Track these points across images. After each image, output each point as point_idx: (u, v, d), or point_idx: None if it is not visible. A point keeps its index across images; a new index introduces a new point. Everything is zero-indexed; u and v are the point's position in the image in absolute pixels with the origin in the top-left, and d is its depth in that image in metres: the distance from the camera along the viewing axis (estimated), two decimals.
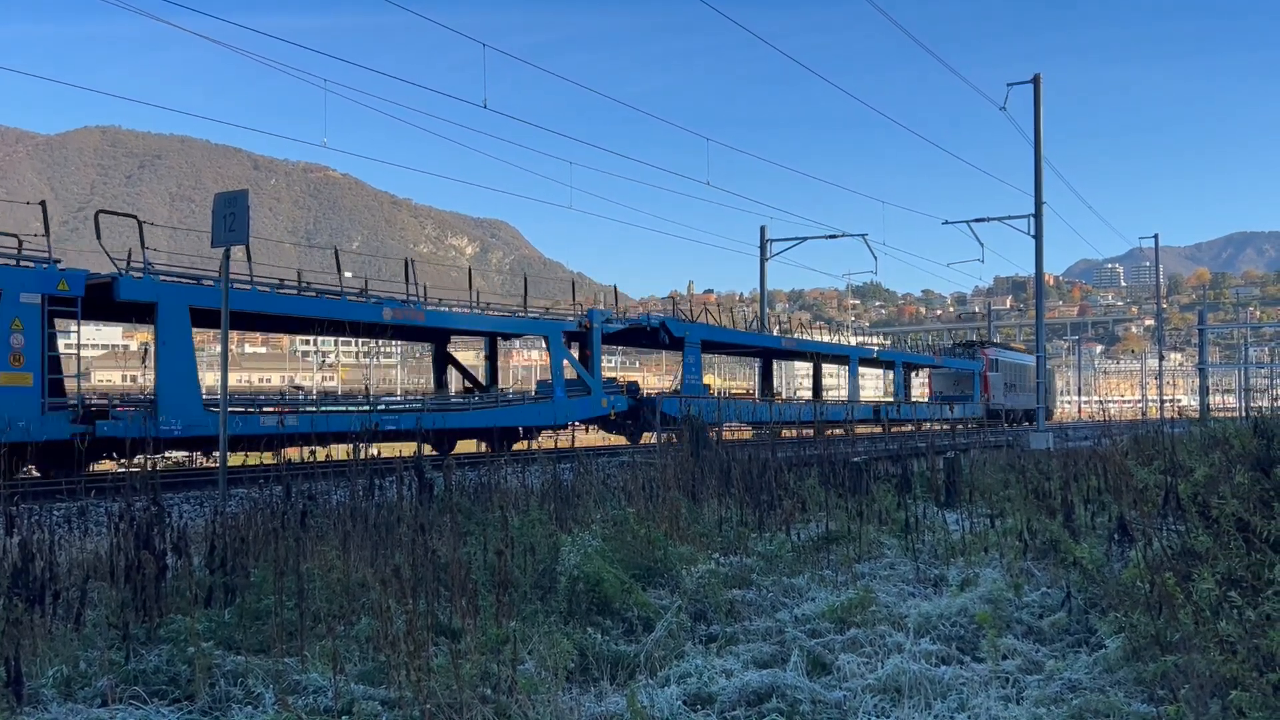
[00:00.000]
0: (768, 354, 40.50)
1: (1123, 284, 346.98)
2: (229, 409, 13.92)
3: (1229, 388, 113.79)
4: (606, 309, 29.20)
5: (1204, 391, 62.74)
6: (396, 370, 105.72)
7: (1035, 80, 30.11)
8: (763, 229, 45.82)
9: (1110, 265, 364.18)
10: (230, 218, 12.66)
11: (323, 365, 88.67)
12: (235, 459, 15.27)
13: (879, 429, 32.26)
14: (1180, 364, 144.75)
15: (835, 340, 56.72)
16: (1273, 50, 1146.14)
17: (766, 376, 42.41)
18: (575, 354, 27.27)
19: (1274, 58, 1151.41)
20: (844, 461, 12.09)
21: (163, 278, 18.13)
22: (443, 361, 27.84)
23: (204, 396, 18.10)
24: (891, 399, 45.61)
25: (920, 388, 56.16)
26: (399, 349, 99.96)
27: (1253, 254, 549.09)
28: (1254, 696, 3.94)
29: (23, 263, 15.84)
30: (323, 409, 20.84)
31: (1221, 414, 53.42)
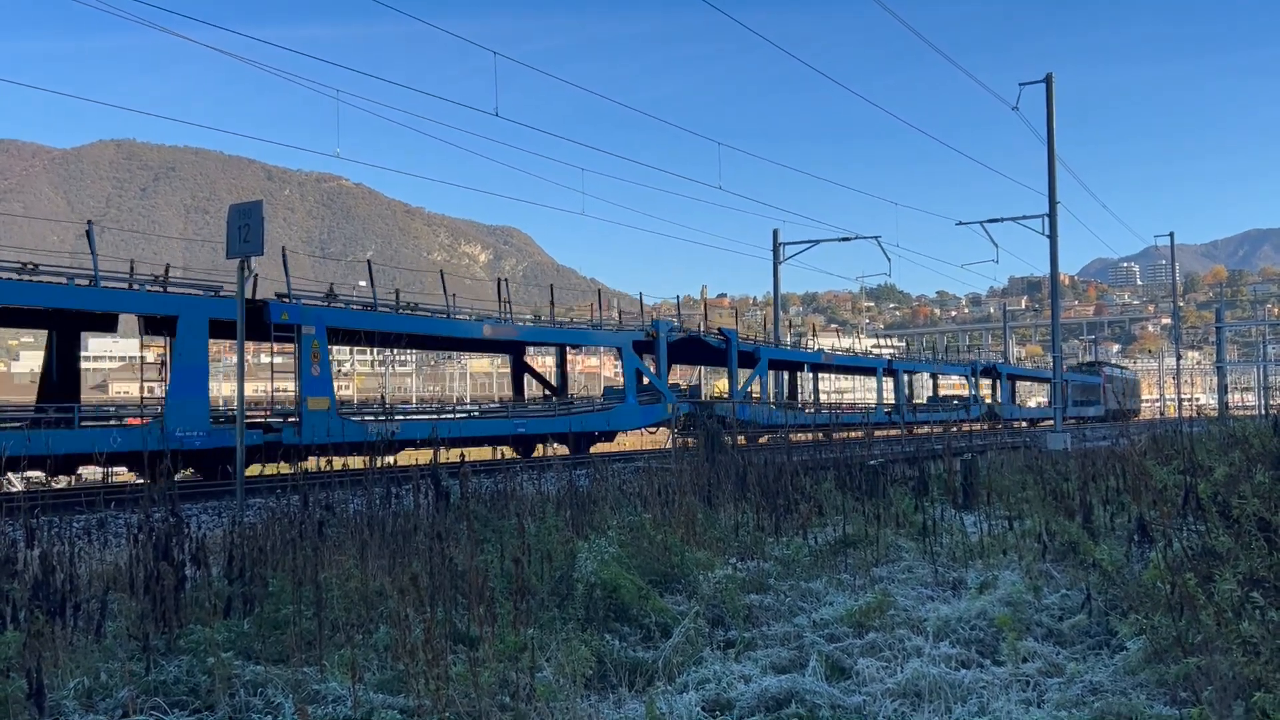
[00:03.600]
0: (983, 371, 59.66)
1: (1139, 283, 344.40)
2: None
3: (1248, 386, 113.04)
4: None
5: (1222, 390, 62.63)
6: (411, 379, 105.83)
7: (1047, 79, 30.00)
8: (775, 232, 45.94)
9: (1126, 264, 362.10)
10: (245, 229, 12.75)
11: (337, 374, 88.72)
12: None
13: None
14: (1198, 362, 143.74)
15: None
16: None
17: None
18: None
19: None
20: (860, 465, 12.03)
21: None
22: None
23: None
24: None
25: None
26: (413, 357, 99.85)
27: (1269, 251, 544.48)
28: (1278, 698, 3.90)
29: None
30: None
31: (1240, 412, 54.01)
